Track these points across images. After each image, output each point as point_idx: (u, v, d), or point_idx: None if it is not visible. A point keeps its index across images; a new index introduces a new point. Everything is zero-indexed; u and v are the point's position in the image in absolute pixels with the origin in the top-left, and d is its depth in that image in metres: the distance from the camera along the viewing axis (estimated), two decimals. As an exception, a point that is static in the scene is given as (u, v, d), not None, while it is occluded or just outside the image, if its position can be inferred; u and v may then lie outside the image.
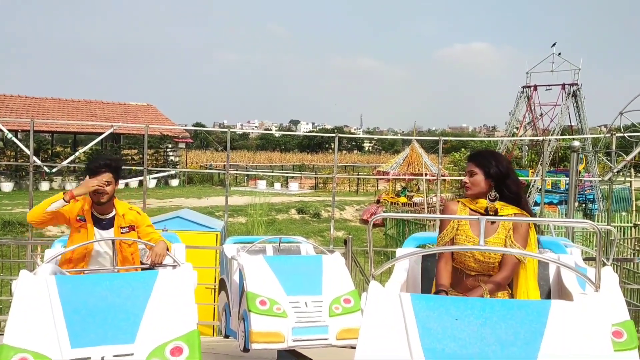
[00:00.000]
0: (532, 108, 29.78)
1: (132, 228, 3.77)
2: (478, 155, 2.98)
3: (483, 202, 2.90)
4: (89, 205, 3.68)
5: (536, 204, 18.24)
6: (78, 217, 3.64)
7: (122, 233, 3.72)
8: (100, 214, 3.71)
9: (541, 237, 3.10)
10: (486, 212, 2.85)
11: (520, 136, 30.93)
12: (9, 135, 12.70)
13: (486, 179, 2.90)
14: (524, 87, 29.35)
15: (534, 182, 23.50)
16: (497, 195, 2.87)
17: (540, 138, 22.02)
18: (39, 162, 11.09)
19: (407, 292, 2.98)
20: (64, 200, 3.56)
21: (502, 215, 2.84)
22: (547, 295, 3.03)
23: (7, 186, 26.47)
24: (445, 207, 3.07)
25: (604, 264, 4.00)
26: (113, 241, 3.66)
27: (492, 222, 2.80)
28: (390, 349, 2.07)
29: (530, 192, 24.30)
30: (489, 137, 61.42)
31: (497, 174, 2.88)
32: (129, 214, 3.78)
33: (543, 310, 2.12)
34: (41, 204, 3.58)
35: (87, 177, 3.67)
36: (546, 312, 2.10)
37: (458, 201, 3.04)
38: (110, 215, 3.73)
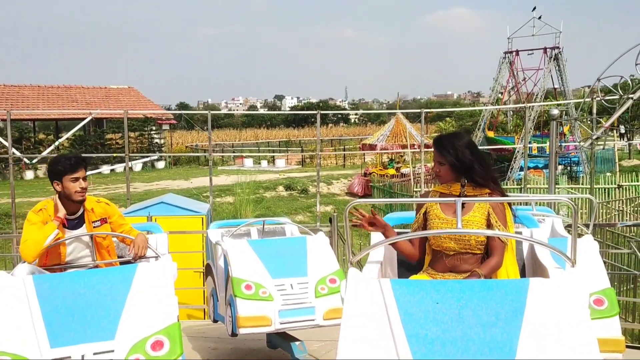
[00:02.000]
0: (515, 73, 29.78)
1: (104, 221, 3.70)
2: (440, 143, 2.95)
3: (456, 187, 2.91)
4: (53, 209, 3.59)
5: (522, 169, 18.32)
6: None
7: (94, 227, 3.65)
8: (69, 214, 3.63)
9: (517, 210, 3.09)
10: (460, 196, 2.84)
11: (505, 101, 30.97)
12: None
13: (451, 169, 2.90)
14: (506, 52, 29.30)
15: (520, 147, 23.63)
16: (466, 180, 2.88)
17: (521, 105, 22.05)
18: (18, 154, 10.93)
19: (384, 274, 2.99)
20: (57, 228, 3.45)
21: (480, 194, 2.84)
22: (522, 270, 3.03)
23: (-10, 177, 26.19)
24: (420, 197, 3.08)
25: (585, 233, 4.02)
26: (91, 236, 3.60)
27: (463, 205, 2.79)
28: (372, 336, 2.06)
29: (515, 158, 24.45)
30: (473, 102, 61.47)
31: (461, 163, 2.87)
32: (98, 206, 3.70)
33: (522, 289, 2.12)
34: (36, 240, 3.37)
35: (64, 177, 3.55)
36: (525, 291, 2.11)
37: (429, 191, 3.07)
38: (79, 213, 3.65)
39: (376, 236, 3.29)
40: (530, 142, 23.13)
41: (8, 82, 32.67)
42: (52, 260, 3.52)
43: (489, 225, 2.81)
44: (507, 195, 3.02)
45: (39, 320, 2.71)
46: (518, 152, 23.97)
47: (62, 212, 3.52)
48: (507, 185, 19.27)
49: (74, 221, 3.62)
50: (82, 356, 2.60)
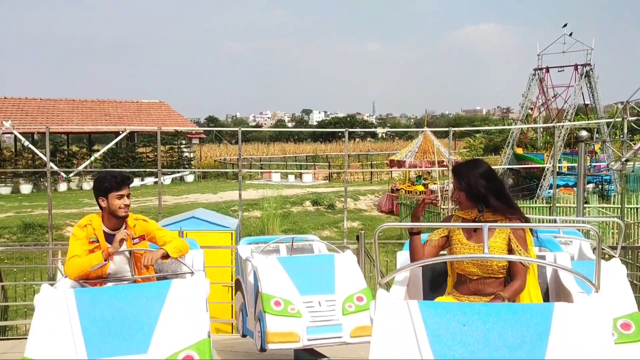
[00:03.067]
0: (545, 90, 29.49)
1: (142, 238, 3.84)
2: (456, 172, 3.04)
3: (476, 213, 2.99)
4: (99, 224, 3.75)
5: (552, 187, 18.08)
6: (91, 240, 3.69)
7: (134, 244, 3.79)
8: (112, 230, 3.78)
9: (543, 232, 3.15)
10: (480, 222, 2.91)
11: (535, 117, 30.63)
12: (26, 143, 12.90)
13: (467, 197, 2.98)
14: (535, 69, 29.03)
15: (549, 166, 23.36)
16: (484, 207, 2.96)
17: (550, 125, 21.79)
18: (55, 168, 11.26)
19: (410, 294, 3.06)
20: (104, 260, 3.60)
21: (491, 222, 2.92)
22: (545, 293, 3.07)
23: (27, 188, 26.86)
24: (444, 220, 3.18)
25: (612, 257, 4.01)
26: (130, 252, 3.74)
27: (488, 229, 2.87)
28: (401, 357, 2.12)
29: (545, 176, 24.14)
30: (502, 118, 60.88)
31: (475, 192, 2.94)
32: (138, 224, 3.85)
33: (547, 313, 2.16)
34: (82, 264, 3.54)
35: (109, 194, 3.71)
36: (550, 315, 2.15)
37: (452, 216, 3.14)
38: (122, 229, 3.80)
39: (402, 256, 3.36)
40: (560, 160, 22.86)
41: (44, 96, 33.63)
42: (97, 274, 3.67)
43: (510, 250, 2.87)
44: (527, 219, 3.07)
45: (78, 331, 2.83)
46: (548, 170, 23.68)
47: (112, 249, 3.64)
48: (535, 203, 19.05)
49: (114, 237, 3.77)
50: None
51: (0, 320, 7.07)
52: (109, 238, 3.74)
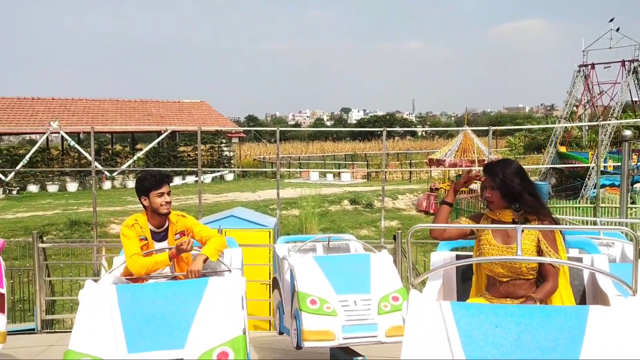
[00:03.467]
0: (590, 87, 28.72)
1: (182, 234, 3.94)
2: (489, 170, 3.02)
3: (505, 213, 2.97)
4: (145, 222, 3.87)
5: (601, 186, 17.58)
6: (140, 238, 3.82)
7: (175, 240, 3.90)
8: (157, 227, 3.91)
9: (583, 233, 3.12)
10: (514, 222, 2.90)
11: (579, 115, 29.86)
12: (72, 143, 13.33)
13: (501, 195, 2.96)
14: (580, 65, 28.29)
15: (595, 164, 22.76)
16: (518, 205, 2.94)
17: (594, 124, 21.20)
18: (100, 168, 11.59)
19: (443, 295, 3.05)
20: (170, 261, 3.75)
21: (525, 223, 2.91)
22: (581, 296, 3.02)
23: (73, 186, 27.70)
24: (472, 218, 3.18)
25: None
26: (170, 249, 3.85)
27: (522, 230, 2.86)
28: (433, 357, 2.12)
29: (590, 175, 23.53)
30: (546, 115, 59.47)
31: (510, 190, 2.93)
32: (179, 220, 3.96)
33: (581, 316, 2.13)
34: (148, 263, 3.67)
35: (150, 192, 3.81)
36: (584, 318, 2.12)
37: (481, 215, 3.12)
38: (165, 226, 3.92)
39: (436, 256, 3.35)
40: (606, 159, 22.22)
41: (90, 96, 34.64)
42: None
43: (540, 252, 2.86)
44: (558, 222, 3.04)
45: (119, 326, 2.94)
46: (592, 169, 23.07)
47: (178, 252, 3.76)
48: (579, 203, 18.60)
49: (160, 234, 3.89)
50: None
51: (47, 314, 7.33)
52: (155, 236, 3.88)
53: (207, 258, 3.76)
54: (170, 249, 3.79)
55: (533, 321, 2.14)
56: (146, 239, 3.83)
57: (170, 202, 3.86)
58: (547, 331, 2.11)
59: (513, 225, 2.57)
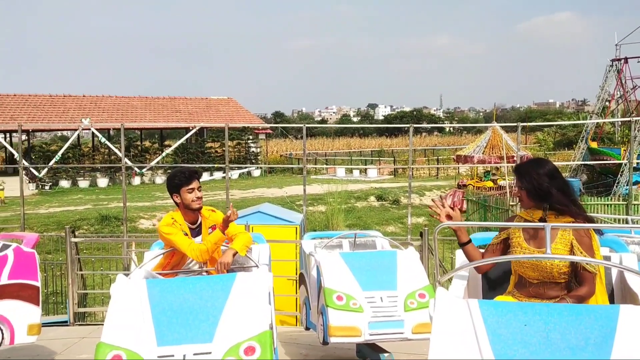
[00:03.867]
0: (624, 82, 28.10)
1: (214, 228, 4.02)
2: (518, 170, 2.99)
3: (538, 214, 2.92)
4: (181, 219, 3.94)
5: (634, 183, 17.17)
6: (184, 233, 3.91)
7: (209, 234, 3.98)
8: (192, 223, 3.99)
9: (613, 232, 3.05)
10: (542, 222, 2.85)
11: (612, 110, 29.25)
12: (103, 140, 13.58)
13: (529, 195, 2.92)
14: (613, 60, 27.72)
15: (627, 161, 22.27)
16: (547, 205, 2.89)
17: (626, 119, 20.72)
18: (130, 164, 11.78)
19: (469, 293, 3.03)
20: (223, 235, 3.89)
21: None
22: (610, 294, 2.97)
23: (103, 182, 28.20)
24: (507, 221, 3.12)
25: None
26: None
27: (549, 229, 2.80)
28: (461, 356, 2.11)
29: (622, 171, 23.04)
30: (577, 111, 58.35)
31: (538, 190, 2.87)
32: (211, 215, 4.04)
33: (612, 315, 2.10)
34: (208, 245, 3.84)
35: (181, 189, 3.89)
36: (615, 318, 2.08)
37: (515, 216, 3.08)
38: (199, 221, 3.99)
39: (461, 254, 3.33)
40: (639, 155, 21.72)
41: (119, 93, 35.21)
42: (172, 267, 3.87)
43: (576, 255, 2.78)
44: (592, 220, 2.97)
45: (149, 320, 2.99)
46: (625, 165, 22.58)
47: (226, 224, 3.90)
48: (611, 200, 18.22)
49: (195, 230, 3.97)
50: (184, 356, 2.83)
51: (79, 307, 7.49)
52: (192, 232, 3.95)
53: (237, 252, 3.82)
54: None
55: (562, 320, 2.11)
56: (187, 234, 3.91)
57: (201, 198, 3.94)
58: (577, 330, 2.08)
59: (541, 224, 2.53)
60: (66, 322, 7.39)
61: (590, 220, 2.94)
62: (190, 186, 3.87)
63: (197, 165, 26.94)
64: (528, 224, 2.84)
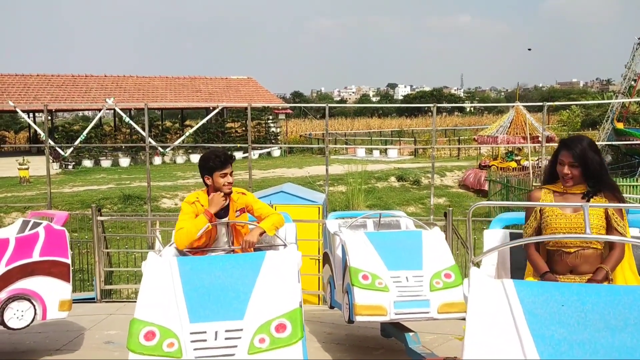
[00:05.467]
0: (651, 60, 27.42)
1: (242, 210, 4.03)
2: (574, 147, 2.96)
3: (577, 189, 2.97)
4: (206, 200, 3.93)
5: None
6: (198, 216, 3.89)
7: (236, 217, 3.98)
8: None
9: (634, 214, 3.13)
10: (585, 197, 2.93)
11: (638, 89, 28.63)
12: (127, 119, 13.67)
13: (582, 173, 2.95)
14: (640, 37, 27.05)
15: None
16: (594, 183, 2.96)
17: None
18: (154, 143, 11.87)
19: (498, 274, 3.02)
20: (209, 222, 3.80)
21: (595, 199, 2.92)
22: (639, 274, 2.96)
23: (125, 161, 28.52)
24: (529, 197, 3.16)
25: None
26: (227, 224, 3.93)
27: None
28: (498, 336, 2.10)
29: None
30: (602, 90, 57.24)
31: (593, 168, 2.92)
32: (240, 198, 4.03)
33: None
34: (189, 232, 3.74)
35: (214, 173, 3.88)
36: None
37: (541, 188, 3.09)
38: (227, 203, 3.99)
39: (490, 234, 3.31)
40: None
41: (141, 73, 35.37)
42: (200, 244, 3.89)
43: (608, 226, 2.88)
44: (623, 198, 3.06)
45: (181, 297, 3.03)
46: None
47: (213, 209, 3.85)
48: (637, 181, 17.93)
49: (221, 211, 3.96)
50: (216, 332, 2.87)
51: (105, 284, 7.62)
52: (216, 214, 3.94)
53: (264, 232, 3.82)
54: (228, 223, 3.88)
55: (600, 300, 2.09)
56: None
57: (232, 183, 3.93)
58: (615, 311, 2.06)
59: (579, 204, 2.53)
60: (93, 299, 7.52)
61: (623, 198, 3.04)
62: (224, 171, 3.87)
63: (219, 145, 27.09)
64: (568, 204, 2.87)
